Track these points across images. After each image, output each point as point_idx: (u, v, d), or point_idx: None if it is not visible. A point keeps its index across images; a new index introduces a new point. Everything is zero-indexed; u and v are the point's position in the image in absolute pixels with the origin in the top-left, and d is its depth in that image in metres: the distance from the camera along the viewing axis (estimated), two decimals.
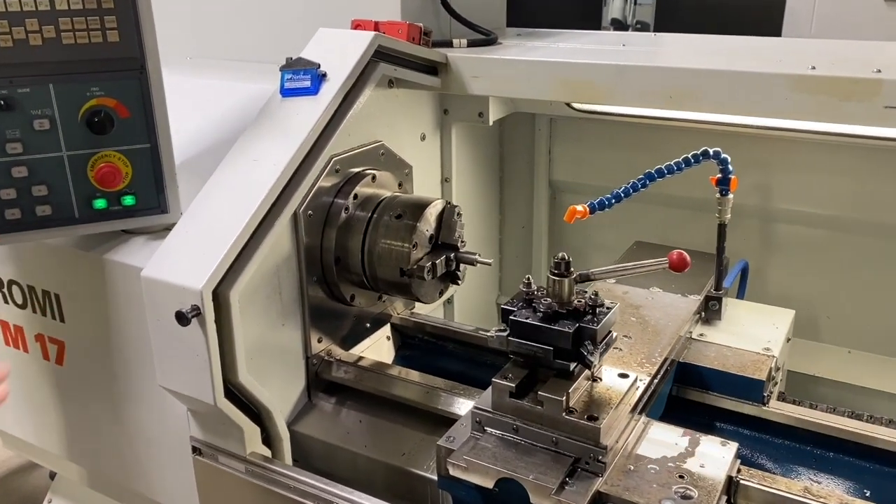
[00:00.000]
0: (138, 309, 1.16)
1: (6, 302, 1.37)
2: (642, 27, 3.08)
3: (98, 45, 1.05)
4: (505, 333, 1.05)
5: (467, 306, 1.92)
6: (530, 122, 1.90)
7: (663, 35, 1.55)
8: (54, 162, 1.08)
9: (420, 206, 1.35)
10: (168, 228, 1.19)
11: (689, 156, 1.25)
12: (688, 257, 1.05)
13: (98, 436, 1.39)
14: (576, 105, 1.76)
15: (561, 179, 1.95)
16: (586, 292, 1.07)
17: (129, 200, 1.14)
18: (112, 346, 1.25)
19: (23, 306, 1.35)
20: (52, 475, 1.83)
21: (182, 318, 1.01)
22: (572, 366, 1.03)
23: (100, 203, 1.13)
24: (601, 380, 1.09)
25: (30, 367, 1.41)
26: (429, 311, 1.67)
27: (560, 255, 1.05)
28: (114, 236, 1.19)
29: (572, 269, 1.05)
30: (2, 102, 1.03)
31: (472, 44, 1.47)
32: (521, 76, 1.35)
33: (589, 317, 1.03)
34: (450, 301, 1.83)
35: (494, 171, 1.97)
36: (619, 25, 3.12)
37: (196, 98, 1.43)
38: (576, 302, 1.05)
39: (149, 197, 1.15)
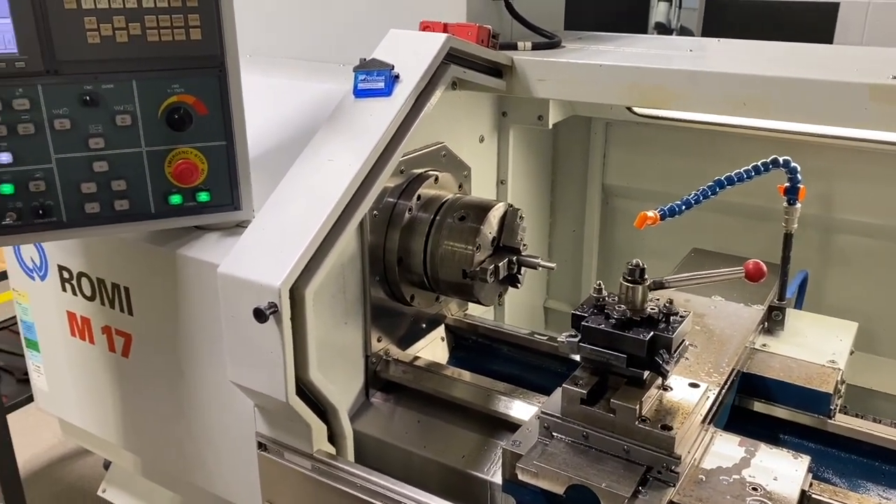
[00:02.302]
0: (210, 304, 1.17)
1: (74, 294, 1.39)
2: (685, 32, 3.05)
3: (180, 43, 1.06)
4: (576, 339, 1.05)
5: (516, 308, 1.92)
6: (586, 125, 1.90)
7: (730, 41, 1.53)
8: (134, 157, 1.10)
9: (483, 209, 1.35)
10: (240, 225, 1.20)
11: (759, 164, 1.23)
12: (764, 267, 1.04)
13: (159, 428, 1.41)
14: (636, 109, 1.75)
15: (614, 184, 1.94)
16: (659, 300, 1.06)
17: (203, 197, 1.15)
18: (180, 340, 1.27)
19: (91, 298, 1.37)
20: (107, 465, 1.86)
21: (260, 315, 1.02)
22: (645, 374, 1.03)
23: (175, 199, 1.14)
24: (671, 389, 1.09)
25: (94, 358, 1.43)
26: (480, 313, 1.67)
27: (634, 261, 1.05)
28: (186, 232, 1.21)
29: (646, 276, 1.05)
30: (87, 97, 1.04)
31: (536, 46, 1.47)
32: (588, 80, 1.34)
33: (663, 325, 1.03)
34: (500, 303, 1.83)
35: (547, 173, 1.97)
36: (663, 29, 3.10)
37: (260, 97, 1.44)
38: (649, 309, 1.04)
39: (223, 194, 1.16)
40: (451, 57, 1.27)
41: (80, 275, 1.37)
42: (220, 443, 1.31)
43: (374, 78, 1.18)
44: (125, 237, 1.25)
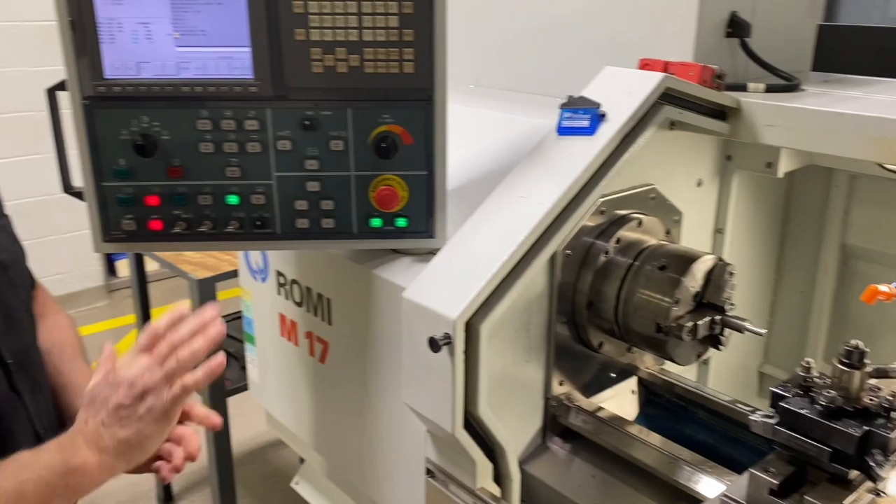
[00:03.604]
0: (395, 325, 1.20)
1: (287, 298, 1.51)
2: None
3: (394, 76, 1.11)
4: (773, 421, 0.93)
5: (724, 369, 1.76)
6: (826, 176, 1.70)
7: None
8: (343, 180, 1.16)
9: (688, 260, 1.26)
10: (432, 252, 1.22)
11: None
12: None
13: (343, 434, 1.48)
14: (889, 165, 1.53)
15: (856, 245, 1.71)
16: (880, 389, 0.91)
17: (401, 222, 1.19)
18: (368, 354, 1.32)
19: (300, 304, 1.48)
20: (302, 459, 2.00)
21: (433, 345, 1.03)
22: (851, 473, 0.89)
23: (376, 222, 1.19)
24: (885, 494, 0.92)
25: (297, 359, 1.54)
26: (681, 370, 1.55)
27: (854, 342, 0.91)
28: (383, 253, 1.26)
29: (867, 360, 0.90)
30: (307, 122, 1.13)
31: (770, 89, 1.34)
32: (824, 129, 1.20)
33: (882, 420, 0.88)
34: (705, 360, 1.69)
35: (775, 226, 1.79)
36: None
37: (473, 127, 1.47)
38: (866, 400, 0.90)
39: (419, 221, 1.19)
40: (668, 97, 1.20)
41: (293, 281, 1.48)
42: (394, 460, 1.34)
43: (579, 116, 1.15)
44: (331, 252, 1.33)
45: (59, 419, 1.19)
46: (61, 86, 1.14)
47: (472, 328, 1.06)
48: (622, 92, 1.18)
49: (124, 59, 1.07)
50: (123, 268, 4.97)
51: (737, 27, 1.42)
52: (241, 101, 1.11)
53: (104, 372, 1.03)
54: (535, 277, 1.19)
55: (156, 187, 1.14)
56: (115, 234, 1.17)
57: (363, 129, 1.14)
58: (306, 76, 1.10)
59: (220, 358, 1.04)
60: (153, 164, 1.13)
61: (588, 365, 1.39)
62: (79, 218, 1.38)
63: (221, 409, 2.56)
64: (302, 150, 1.15)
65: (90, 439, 0.98)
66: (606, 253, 1.29)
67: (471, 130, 1.46)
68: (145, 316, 2.96)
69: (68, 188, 1.36)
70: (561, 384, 1.34)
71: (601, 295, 1.29)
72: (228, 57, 1.08)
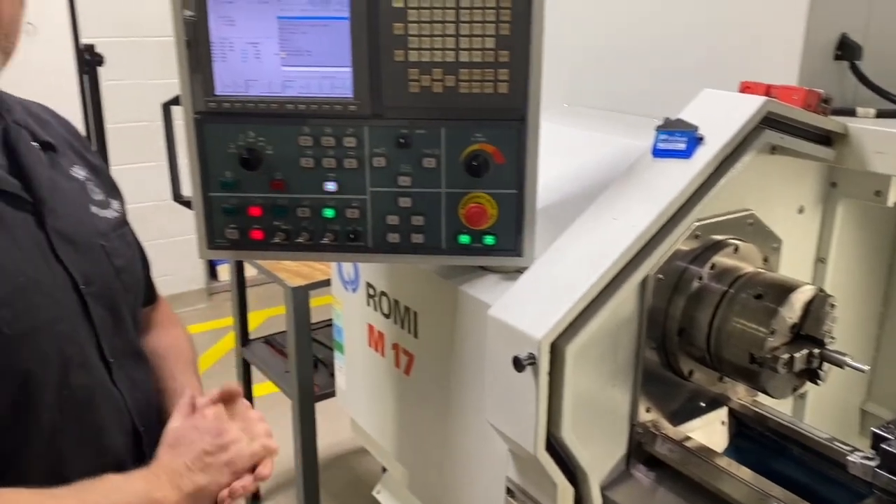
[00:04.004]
0: (480, 342, 1.21)
1: (375, 309, 1.55)
2: None
3: (488, 96, 1.12)
4: (873, 463, 0.89)
5: (823, 405, 1.67)
6: None
7: None
8: (433, 197, 1.19)
9: (786, 289, 1.21)
10: (519, 271, 1.23)
11: None
12: None
13: (425, 447, 1.50)
14: None
15: None
16: None
17: (489, 240, 1.20)
18: (452, 369, 1.34)
19: (388, 316, 1.51)
20: (384, 468, 2.03)
21: (517, 364, 1.03)
22: None
23: (464, 239, 1.21)
24: None
25: (383, 370, 1.57)
26: (775, 403, 1.49)
27: None
28: (470, 270, 1.27)
29: None
30: (402, 140, 1.16)
31: (881, 114, 1.28)
32: None
33: None
34: (802, 395, 1.62)
35: (883, 257, 1.69)
36: None
37: (565, 146, 1.47)
38: None
39: (507, 239, 1.20)
40: (769, 121, 1.16)
41: (382, 293, 1.52)
42: (474, 477, 1.35)
43: (675, 138, 1.13)
44: (420, 266, 1.35)
45: (160, 419, 1.26)
46: (175, 101, 1.22)
47: (557, 349, 1.05)
48: (721, 115, 1.15)
49: (234, 76, 1.14)
50: (224, 272, 5.19)
51: (847, 49, 1.36)
52: (340, 119, 1.15)
53: (184, 414, 1.13)
54: (625, 301, 1.17)
55: (258, 199, 1.20)
56: (219, 242, 1.23)
57: (456, 147, 1.16)
58: (403, 95, 1.13)
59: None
60: (257, 176, 1.18)
61: (677, 392, 1.35)
62: (184, 223, 1.46)
63: (309, 414, 2.64)
64: (396, 166, 1.18)
65: (173, 478, 1.04)
66: (700, 279, 1.26)
67: (563, 150, 1.46)
68: (242, 319, 3.09)
69: (178, 197, 1.44)
70: (648, 411, 1.31)
71: (693, 321, 1.26)
72: (330, 76, 1.12)
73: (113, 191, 1.26)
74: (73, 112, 3.36)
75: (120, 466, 1.12)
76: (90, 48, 3.32)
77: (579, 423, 1.13)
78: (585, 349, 1.10)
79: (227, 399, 1.18)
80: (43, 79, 3.08)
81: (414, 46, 1.11)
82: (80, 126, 3.44)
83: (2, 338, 0.95)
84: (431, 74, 1.12)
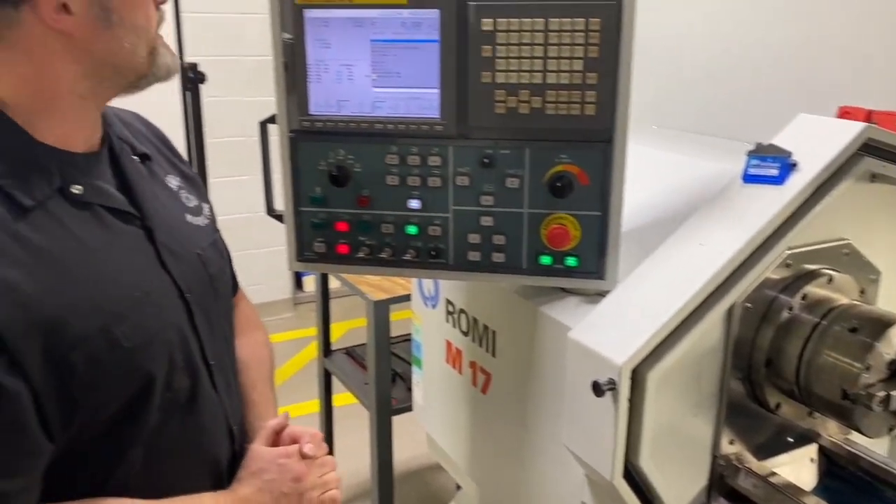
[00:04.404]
0: (559, 364, 1.21)
1: (454, 326, 1.56)
2: None
3: (574, 117, 1.12)
4: None
5: None
6: None
7: None
8: (516, 217, 1.19)
9: (884, 323, 1.15)
10: (601, 294, 1.22)
11: None
12: None
13: (499, 468, 1.50)
14: None
15: None
16: None
17: (571, 261, 1.20)
18: (529, 390, 1.33)
19: (466, 333, 1.52)
20: (458, 485, 2.03)
21: (597, 389, 1.02)
22: None
23: (545, 259, 1.20)
24: None
25: (460, 387, 1.58)
26: (869, 442, 1.41)
27: None
28: (550, 291, 1.27)
29: None
30: (486, 160, 1.17)
31: None
32: None
33: None
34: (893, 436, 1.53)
35: None
36: None
37: (652, 169, 1.45)
38: None
39: (590, 261, 1.19)
40: (869, 148, 1.12)
41: (461, 311, 1.53)
42: (548, 501, 1.34)
43: (767, 164, 1.10)
44: (499, 285, 1.36)
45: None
46: (271, 119, 1.27)
47: (638, 375, 1.04)
48: (817, 141, 1.12)
49: (327, 97, 1.18)
50: (310, 283, 5.34)
51: None
52: (426, 139, 1.17)
53: (268, 439, 1.25)
54: (711, 329, 1.14)
55: (345, 214, 1.24)
56: (307, 255, 1.28)
57: (539, 167, 1.17)
58: (488, 116, 1.15)
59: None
60: (345, 193, 1.22)
61: (763, 426, 1.30)
62: (274, 235, 1.52)
63: (386, 427, 2.67)
64: (479, 186, 1.19)
65: None
66: (791, 309, 1.22)
67: (650, 172, 1.44)
68: (326, 330, 3.17)
69: (271, 211, 1.50)
70: (731, 443, 1.27)
71: (782, 353, 1.22)
72: (418, 97, 1.15)
73: (202, 195, 1.32)
74: (175, 126, 3.54)
75: (217, 464, 1.20)
76: (193, 66, 3.50)
77: (659, 452, 1.10)
78: (668, 376, 1.08)
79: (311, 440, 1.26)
80: (149, 94, 3.27)
81: (501, 68, 1.12)
82: (181, 140, 3.64)
83: (122, 350, 1.01)
84: (518, 96, 1.13)
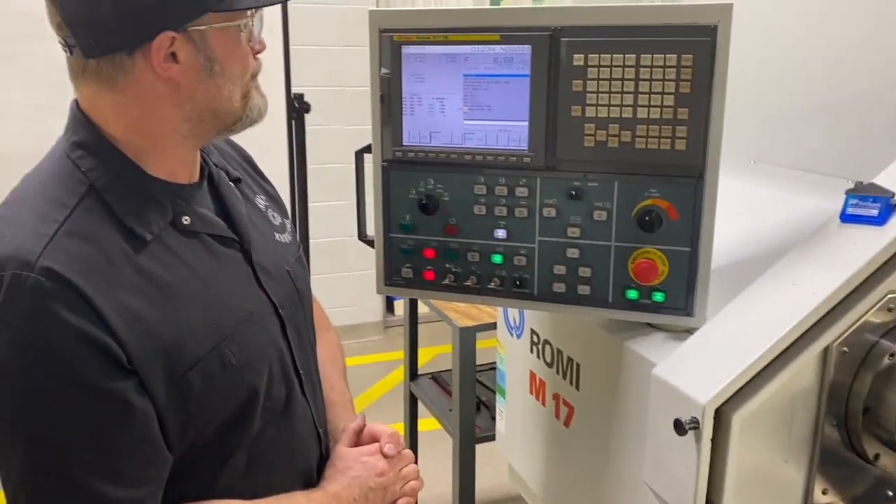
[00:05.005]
0: (643, 400, 1.19)
1: (538, 357, 1.56)
2: None
3: (664, 152, 1.12)
4: None
5: None
6: None
7: None
8: (602, 250, 1.19)
9: None
10: (689, 331, 1.20)
11: None
12: None
13: (580, 501, 1.48)
14: None
15: None
16: None
17: (658, 297, 1.18)
18: (612, 426, 1.32)
19: (550, 365, 1.52)
20: None
21: (679, 427, 1.00)
22: None
23: (632, 294, 1.20)
24: None
25: (542, 419, 1.58)
26: None
27: None
28: (636, 326, 1.26)
29: None
30: (573, 192, 1.18)
31: None
32: None
33: None
34: None
35: None
36: None
37: (747, 205, 1.42)
38: None
39: (678, 297, 1.18)
40: None
41: (545, 342, 1.53)
42: None
43: (867, 204, 1.06)
44: (584, 318, 1.35)
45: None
46: (367, 149, 1.33)
47: (723, 416, 1.01)
48: None
49: (420, 128, 1.22)
50: (400, 307, 5.43)
51: None
52: (514, 170, 1.20)
53: (351, 439, 1.33)
54: (803, 372, 1.10)
55: (433, 242, 1.27)
56: (395, 280, 1.32)
57: (628, 201, 1.17)
58: (577, 149, 1.16)
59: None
60: (433, 221, 1.26)
61: (860, 477, 1.24)
62: (366, 259, 1.57)
63: (469, 455, 2.68)
64: (566, 217, 1.20)
65: None
66: (893, 355, 1.16)
67: (744, 208, 1.41)
68: (413, 354, 3.22)
69: (362, 236, 1.56)
70: (825, 493, 1.21)
71: (882, 401, 1.16)
72: (507, 130, 1.18)
73: (284, 212, 1.42)
74: (280, 153, 3.72)
75: (307, 465, 1.28)
76: (300, 97, 3.67)
77: (744, 496, 1.07)
78: (755, 419, 1.05)
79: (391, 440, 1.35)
80: (258, 125, 3.45)
81: (591, 102, 1.13)
82: (285, 166, 3.81)
83: (232, 368, 1.10)
84: (607, 130, 1.14)
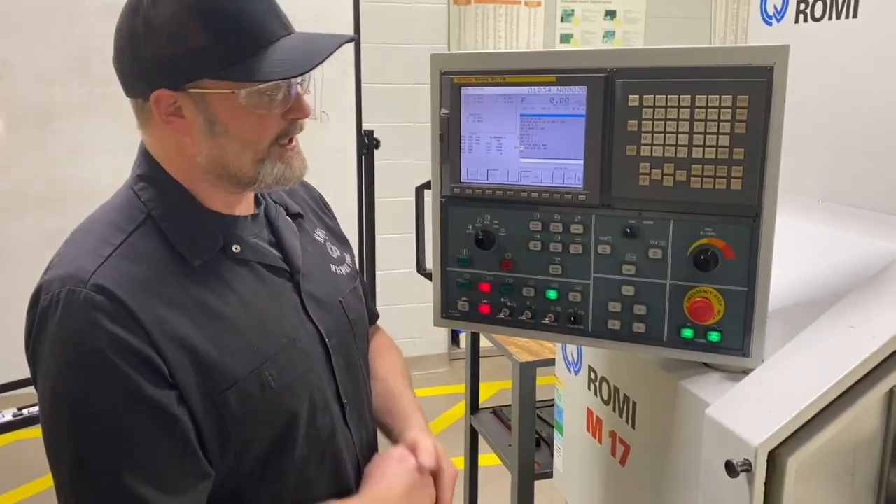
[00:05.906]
0: (697, 441, 1.18)
1: (595, 394, 1.56)
2: None
3: (719, 191, 1.12)
4: None
5: None
6: None
7: None
8: (657, 288, 1.19)
9: None
10: (745, 372, 1.18)
11: None
12: None
13: None
14: None
15: None
16: None
17: (714, 336, 1.18)
18: (667, 465, 1.30)
19: (607, 402, 1.52)
20: None
21: (731, 469, 0.99)
22: None
23: (687, 333, 1.19)
24: None
25: (599, 457, 1.56)
26: None
27: None
28: (692, 365, 1.25)
29: None
30: (628, 230, 1.19)
31: None
32: None
33: None
34: None
35: None
36: None
37: (809, 245, 1.39)
38: None
39: (734, 338, 1.17)
40: None
41: (602, 379, 1.53)
42: None
43: None
44: (640, 356, 1.35)
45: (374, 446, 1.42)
46: (427, 185, 1.37)
47: (777, 459, 0.99)
48: None
49: (477, 166, 1.26)
50: (465, 340, 5.45)
51: None
52: (569, 207, 1.22)
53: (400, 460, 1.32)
54: (865, 415, 1.07)
55: (489, 276, 1.30)
56: (451, 313, 1.35)
57: (683, 240, 1.17)
58: (632, 188, 1.17)
59: None
60: (489, 255, 1.28)
61: None
62: (431, 292, 1.61)
63: (528, 491, 2.66)
64: (621, 255, 1.21)
65: None
66: None
67: (808, 248, 1.39)
68: (474, 388, 3.22)
69: (421, 269, 1.60)
70: None
71: None
72: (563, 168, 1.20)
73: (345, 245, 1.48)
74: (350, 188, 3.82)
75: (349, 493, 1.30)
76: (370, 133, 3.78)
77: None
78: (812, 463, 1.02)
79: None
80: (330, 159, 3.58)
81: (646, 142, 1.15)
82: (354, 200, 3.91)
83: (270, 391, 1.15)
84: (662, 169, 1.15)
